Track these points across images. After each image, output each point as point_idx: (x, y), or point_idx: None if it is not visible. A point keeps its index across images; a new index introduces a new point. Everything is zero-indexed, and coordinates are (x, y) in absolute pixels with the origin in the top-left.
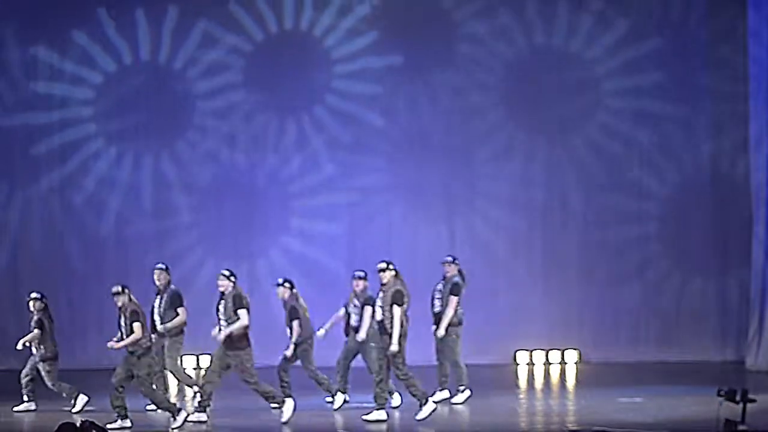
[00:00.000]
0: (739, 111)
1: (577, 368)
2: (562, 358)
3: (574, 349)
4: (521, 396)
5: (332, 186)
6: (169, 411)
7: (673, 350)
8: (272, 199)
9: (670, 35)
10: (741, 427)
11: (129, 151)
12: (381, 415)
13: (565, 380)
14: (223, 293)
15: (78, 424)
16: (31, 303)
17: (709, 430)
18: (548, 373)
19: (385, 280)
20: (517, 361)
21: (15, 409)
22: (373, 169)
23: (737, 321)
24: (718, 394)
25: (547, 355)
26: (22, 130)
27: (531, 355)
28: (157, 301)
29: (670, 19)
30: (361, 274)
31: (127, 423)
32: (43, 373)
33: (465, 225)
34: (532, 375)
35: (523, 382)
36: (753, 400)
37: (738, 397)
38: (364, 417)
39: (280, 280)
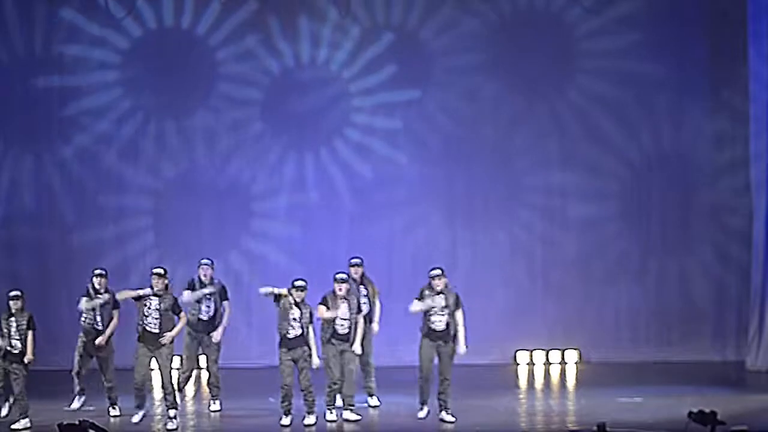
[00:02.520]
0: (741, 126)
1: (577, 368)
2: (562, 358)
3: (574, 349)
4: (521, 396)
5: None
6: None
7: (673, 350)
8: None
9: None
10: (741, 427)
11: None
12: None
13: (565, 380)
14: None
15: (77, 423)
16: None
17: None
18: (548, 373)
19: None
20: (517, 361)
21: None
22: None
23: (737, 321)
24: (689, 416)
25: (547, 355)
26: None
27: (531, 355)
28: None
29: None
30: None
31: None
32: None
33: (465, 226)
34: (532, 375)
35: (523, 382)
36: (722, 423)
37: (706, 420)
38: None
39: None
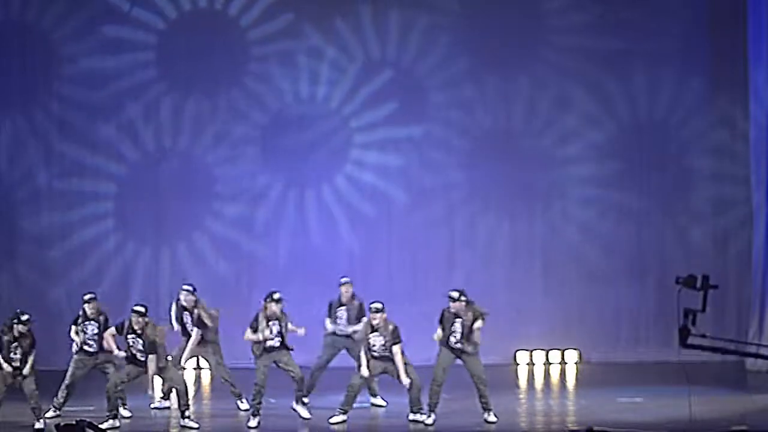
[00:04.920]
0: (740, 129)
1: (577, 368)
2: (562, 358)
3: (574, 349)
4: (521, 396)
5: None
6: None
7: (673, 350)
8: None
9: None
10: (741, 427)
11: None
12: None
13: (565, 380)
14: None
15: (74, 423)
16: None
17: (709, 430)
18: (548, 373)
19: None
20: (517, 361)
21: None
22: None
23: (737, 321)
24: (677, 282)
25: (547, 355)
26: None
27: (531, 355)
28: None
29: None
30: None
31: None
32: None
33: (464, 226)
34: (532, 375)
35: (523, 382)
36: (715, 287)
37: (698, 284)
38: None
39: None
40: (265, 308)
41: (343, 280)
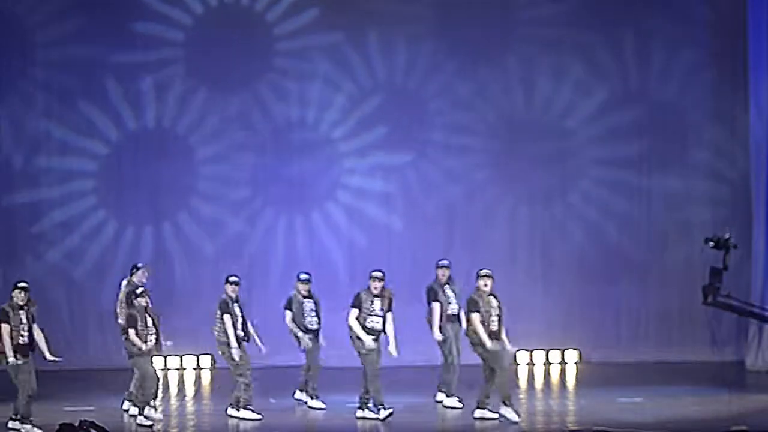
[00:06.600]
0: (741, 129)
1: (577, 368)
2: (562, 358)
3: (574, 349)
4: (521, 396)
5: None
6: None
7: (673, 350)
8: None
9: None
10: (741, 427)
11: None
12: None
13: (565, 380)
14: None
15: (77, 424)
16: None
17: (708, 429)
18: (548, 373)
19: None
20: (517, 361)
21: None
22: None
23: (737, 321)
24: (705, 242)
25: (547, 355)
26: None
27: (531, 355)
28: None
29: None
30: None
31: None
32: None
33: (465, 226)
34: (532, 375)
35: (523, 382)
36: (734, 246)
37: (719, 244)
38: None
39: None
40: (299, 290)
41: (443, 263)
